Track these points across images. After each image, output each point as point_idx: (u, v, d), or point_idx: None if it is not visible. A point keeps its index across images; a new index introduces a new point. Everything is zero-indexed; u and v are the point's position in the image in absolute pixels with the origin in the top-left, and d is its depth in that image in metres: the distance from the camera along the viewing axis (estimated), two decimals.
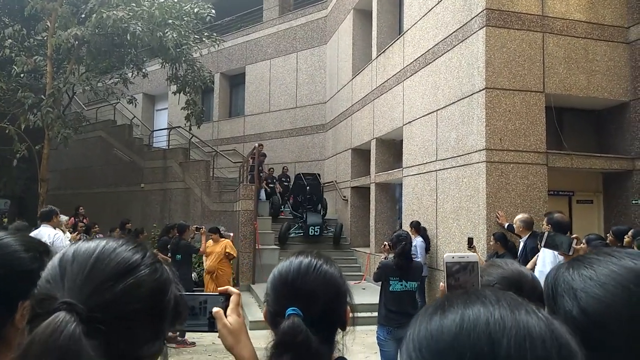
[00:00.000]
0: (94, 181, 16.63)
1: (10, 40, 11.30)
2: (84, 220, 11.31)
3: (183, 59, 13.27)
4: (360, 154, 12.99)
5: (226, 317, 1.11)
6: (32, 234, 5.72)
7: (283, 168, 14.69)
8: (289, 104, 16.47)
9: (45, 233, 5.77)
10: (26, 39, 12.45)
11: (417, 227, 8.39)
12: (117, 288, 0.70)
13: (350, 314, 1.17)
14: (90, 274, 0.71)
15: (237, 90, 18.84)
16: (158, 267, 0.78)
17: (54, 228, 5.88)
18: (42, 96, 11.32)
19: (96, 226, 10.51)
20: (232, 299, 1.13)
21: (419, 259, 8.11)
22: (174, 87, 14.36)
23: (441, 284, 1.28)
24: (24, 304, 0.91)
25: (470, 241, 6.59)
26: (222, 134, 18.22)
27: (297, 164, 15.05)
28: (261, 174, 13.61)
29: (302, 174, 13.32)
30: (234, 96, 19.16)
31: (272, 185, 14.10)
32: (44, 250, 1.04)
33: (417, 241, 8.18)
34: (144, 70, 14.49)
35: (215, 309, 1.11)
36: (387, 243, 4.84)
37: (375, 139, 11.62)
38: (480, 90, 7.28)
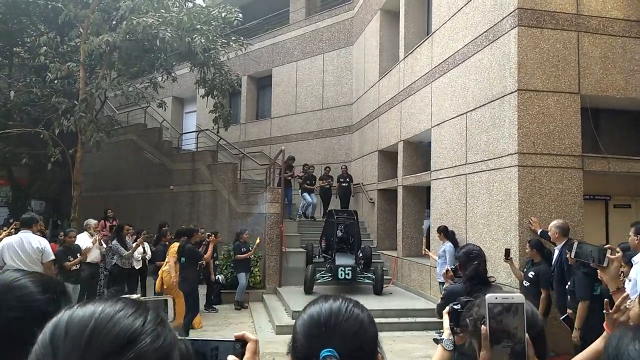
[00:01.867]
0: (124, 183, 16.98)
1: (45, 48, 11.62)
2: (114, 223, 11.54)
3: (211, 62, 13.41)
4: (388, 156, 12.85)
5: None
6: (16, 237, 5.84)
7: (325, 168, 14.36)
8: (315, 105, 16.46)
9: (35, 239, 5.89)
10: (60, 45, 12.80)
11: (445, 232, 8.24)
12: None
13: None
14: (85, 352, 0.63)
15: (264, 92, 18.94)
16: (160, 332, 0.70)
17: (34, 234, 5.95)
18: (75, 101, 11.60)
19: (131, 228, 10.70)
20: (249, 347, 1.03)
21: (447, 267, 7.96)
22: (202, 91, 14.53)
23: (483, 327, 1.20)
24: None
25: (507, 252, 6.40)
26: (249, 136, 18.35)
27: (323, 165, 15.02)
28: (294, 177, 13.60)
29: (335, 210, 11.52)
30: (260, 98, 19.28)
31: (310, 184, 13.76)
32: (61, 291, 1.02)
33: (447, 246, 8.04)
34: (173, 75, 14.70)
35: (230, 358, 0.99)
36: (449, 268, 4.08)
37: (402, 141, 11.47)
38: (512, 92, 7.08)
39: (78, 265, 7.72)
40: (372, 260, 11.25)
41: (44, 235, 9.42)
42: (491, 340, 1.19)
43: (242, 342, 1.03)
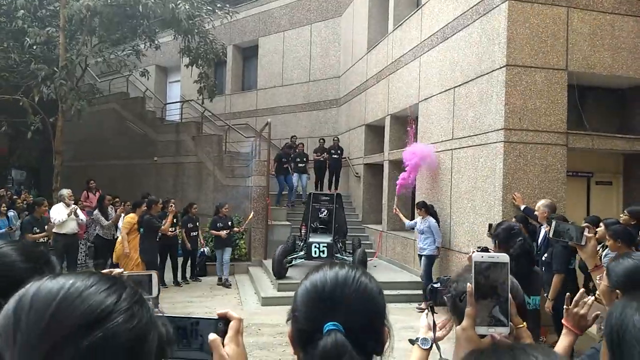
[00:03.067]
0: (107, 153, 16.70)
1: (22, 11, 11.19)
2: (96, 194, 11.38)
3: (195, 30, 13.07)
4: (375, 130, 12.82)
5: (224, 346, 0.94)
6: None
7: (319, 140, 13.86)
8: (302, 77, 16.24)
9: None
10: (38, 9, 12.33)
11: (426, 207, 8.29)
12: (82, 344, 0.58)
13: (388, 338, 1.01)
14: (48, 326, 0.58)
15: (250, 63, 18.61)
16: (136, 312, 0.64)
17: None
18: (55, 68, 11.26)
19: (117, 200, 10.58)
20: (232, 325, 0.96)
21: (432, 244, 8.04)
22: (186, 60, 14.20)
23: (469, 284, 1.21)
24: None
25: (490, 227, 6.48)
26: (234, 108, 18.10)
27: (310, 139, 14.92)
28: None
29: (315, 193, 10.52)
30: (246, 69, 18.95)
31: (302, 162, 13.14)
32: (45, 261, 0.98)
33: (431, 222, 8.11)
34: (156, 42, 14.30)
35: (211, 336, 0.93)
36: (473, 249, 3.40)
37: (389, 116, 11.43)
38: (500, 67, 7.05)
39: (46, 238, 7.65)
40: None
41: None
42: (477, 295, 1.19)
43: (225, 320, 0.98)
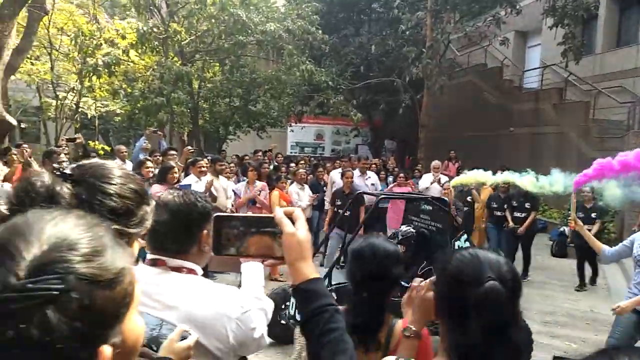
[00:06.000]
0: (464, 125, 17.37)
1: (398, 1, 12.68)
2: (456, 164, 12.05)
3: None
4: None
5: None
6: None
7: None
8: None
9: None
10: None
11: None
12: None
13: None
14: None
15: (630, 12, 15.57)
16: None
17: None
18: (423, 49, 12.36)
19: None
20: (297, 214, 1.06)
21: None
22: (550, 21, 13.09)
23: None
24: None
25: None
26: (605, 69, 15.63)
27: None
28: None
29: None
30: (624, 21, 15.97)
31: None
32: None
33: None
34: (518, 7, 13.74)
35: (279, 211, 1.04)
36: None
37: None
38: None
39: None
40: None
41: None
42: None
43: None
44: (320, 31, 12.70)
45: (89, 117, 13.74)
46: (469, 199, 8.46)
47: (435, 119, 16.81)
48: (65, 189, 0.90)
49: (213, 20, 11.32)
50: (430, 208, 5.34)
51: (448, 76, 13.11)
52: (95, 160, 1.09)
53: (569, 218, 4.30)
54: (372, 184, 8.59)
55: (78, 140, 8.98)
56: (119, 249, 0.64)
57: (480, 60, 17.76)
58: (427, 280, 1.38)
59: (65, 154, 7.13)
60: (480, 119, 16.56)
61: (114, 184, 0.98)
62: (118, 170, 1.03)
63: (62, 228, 0.60)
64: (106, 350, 0.59)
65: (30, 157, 7.06)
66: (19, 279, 0.54)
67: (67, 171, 0.97)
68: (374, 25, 16.86)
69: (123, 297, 0.62)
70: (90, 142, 11.55)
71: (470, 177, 5.43)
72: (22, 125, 15.75)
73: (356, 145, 19.69)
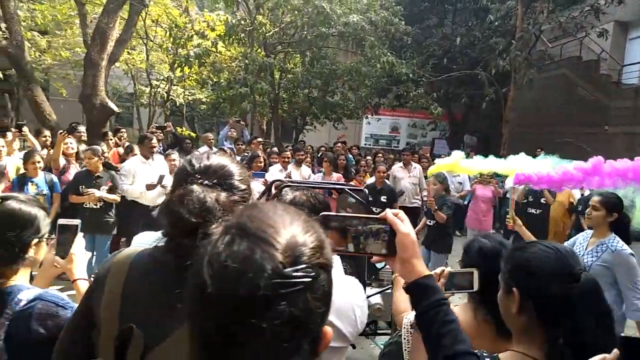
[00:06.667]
0: (552, 122, 16.35)
1: None
2: None
3: None
4: None
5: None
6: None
7: None
8: None
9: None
10: None
11: None
12: None
13: None
14: None
15: None
16: None
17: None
18: (512, 40, 11.74)
19: None
20: (402, 215, 1.12)
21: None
22: None
23: None
24: None
25: None
26: None
27: None
28: None
29: None
30: None
31: None
32: None
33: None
34: None
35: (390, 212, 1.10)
36: None
37: None
38: None
39: None
40: None
41: None
42: None
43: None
44: (403, 22, 12.45)
45: (177, 104, 14.51)
46: (542, 200, 7.91)
47: (520, 115, 15.97)
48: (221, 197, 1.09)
49: (297, 12, 11.47)
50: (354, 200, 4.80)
51: (538, 69, 12.38)
52: (217, 159, 1.18)
53: (507, 217, 4.08)
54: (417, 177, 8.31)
55: (168, 128, 9.56)
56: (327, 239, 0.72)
57: (575, 52, 16.56)
58: None
59: (159, 139, 7.60)
60: (571, 115, 15.51)
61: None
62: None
63: (290, 221, 0.67)
64: (329, 330, 0.68)
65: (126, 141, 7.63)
66: (283, 267, 0.61)
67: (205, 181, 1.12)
68: (458, 15, 16.26)
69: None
70: (178, 128, 12.21)
71: (456, 164, 4.29)
72: (118, 111, 16.94)
73: (432, 139, 19.17)
